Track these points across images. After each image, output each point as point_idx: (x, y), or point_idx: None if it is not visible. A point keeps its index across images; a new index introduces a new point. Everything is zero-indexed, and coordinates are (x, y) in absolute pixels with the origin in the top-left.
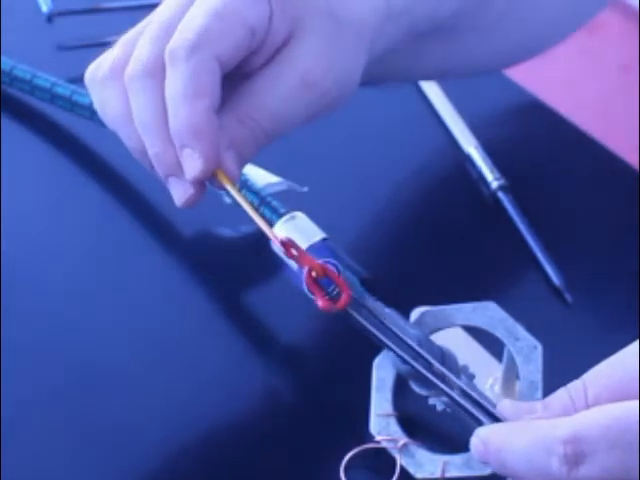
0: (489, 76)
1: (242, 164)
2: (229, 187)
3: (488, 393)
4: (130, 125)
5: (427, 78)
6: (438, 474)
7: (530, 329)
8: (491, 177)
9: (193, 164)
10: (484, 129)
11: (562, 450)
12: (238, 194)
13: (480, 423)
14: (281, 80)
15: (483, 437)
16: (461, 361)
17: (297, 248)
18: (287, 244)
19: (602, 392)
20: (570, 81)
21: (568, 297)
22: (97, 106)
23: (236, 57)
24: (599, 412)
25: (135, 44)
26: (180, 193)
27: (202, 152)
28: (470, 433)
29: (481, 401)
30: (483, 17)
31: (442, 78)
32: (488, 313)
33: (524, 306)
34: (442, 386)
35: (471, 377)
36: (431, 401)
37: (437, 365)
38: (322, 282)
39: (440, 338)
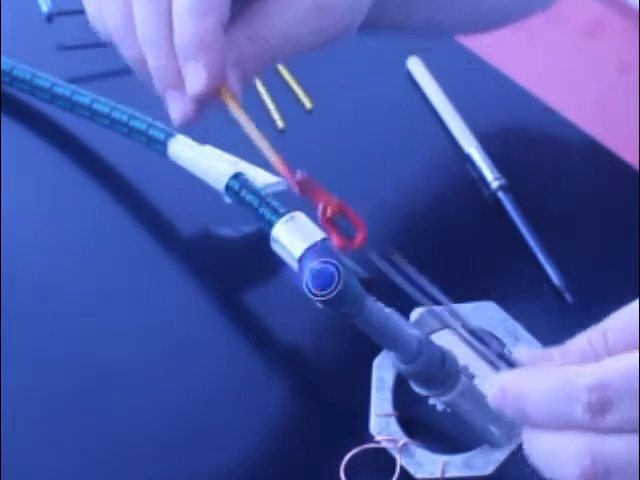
0: (489, 76)
1: (246, 82)
2: (231, 104)
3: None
4: (131, 35)
5: (416, 30)
6: (438, 474)
7: (530, 329)
8: (491, 177)
9: (197, 78)
10: (484, 129)
11: (587, 397)
12: (240, 112)
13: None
14: (295, 2)
15: (501, 383)
16: (461, 361)
17: (312, 184)
18: (301, 181)
19: (624, 339)
20: (570, 81)
21: (568, 297)
22: (93, 15)
23: None
24: (626, 359)
25: None
26: (179, 108)
27: (207, 66)
28: (470, 432)
29: (497, 347)
30: None
31: (430, 32)
32: (488, 313)
33: (524, 306)
34: (458, 328)
35: (471, 377)
36: (431, 401)
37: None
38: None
39: (440, 338)
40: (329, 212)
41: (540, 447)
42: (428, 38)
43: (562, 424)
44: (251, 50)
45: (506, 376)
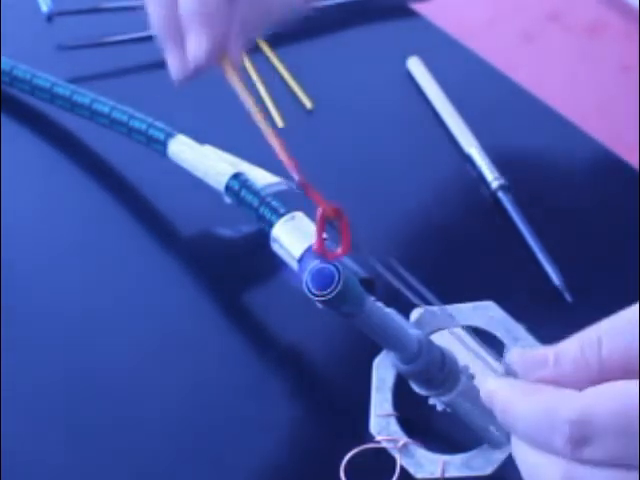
0: (489, 76)
1: (247, 48)
2: (230, 74)
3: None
4: None
5: None
6: (438, 474)
7: (530, 329)
8: (491, 177)
9: (199, 48)
10: (484, 129)
11: (567, 430)
12: (238, 83)
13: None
14: None
15: (490, 391)
16: (461, 361)
17: (310, 189)
18: (303, 183)
19: (616, 349)
20: (571, 81)
21: (568, 297)
22: None
23: None
24: (609, 392)
25: None
26: (178, 67)
27: (210, 37)
28: (470, 432)
29: (488, 351)
30: None
31: None
32: (488, 313)
33: (524, 306)
34: (452, 331)
35: (471, 377)
36: (431, 401)
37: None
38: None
39: (440, 338)
40: (323, 214)
41: (524, 459)
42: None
43: (544, 448)
44: (253, 15)
45: (496, 384)
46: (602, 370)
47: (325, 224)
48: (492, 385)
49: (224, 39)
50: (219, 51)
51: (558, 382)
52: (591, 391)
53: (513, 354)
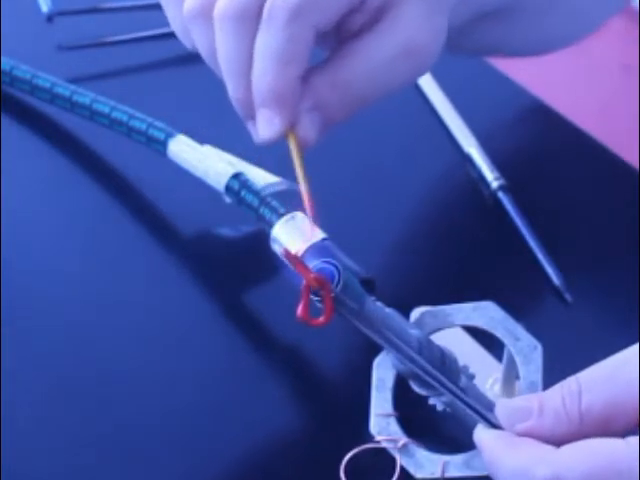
0: (489, 76)
1: (326, 128)
2: (293, 148)
3: (488, 393)
4: (216, 60)
5: (475, 55)
6: (438, 474)
7: (530, 329)
8: (491, 177)
9: (270, 127)
10: (484, 129)
11: None
12: (298, 158)
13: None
14: (383, 46)
15: (479, 440)
16: (461, 361)
17: (295, 259)
18: (288, 254)
19: (596, 401)
20: (570, 81)
21: (568, 297)
22: (177, 30)
23: (333, 23)
24: (581, 451)
25: None
26: (256, 137)
27: (281, 117)
28: (470, 433)
29: (476, 406)
30: (538, 1)
31: (490, 55)
32: (488, 313)
33: (524, 306)
34: (440, 387)
35: (471, 377)
36: (431, 401)
37: (433, 371)
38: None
39: (440, 338)
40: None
41: None
42: (479, 58)
43: None
44: (333, 96)
45: (484, 435)
46: (582, 422)
47: (309, 293)
48: (481, 434)
49: (295, 117)
50: (288, 127)
51: (540, 434)
52: (566, 449)
53: (500, 406)
